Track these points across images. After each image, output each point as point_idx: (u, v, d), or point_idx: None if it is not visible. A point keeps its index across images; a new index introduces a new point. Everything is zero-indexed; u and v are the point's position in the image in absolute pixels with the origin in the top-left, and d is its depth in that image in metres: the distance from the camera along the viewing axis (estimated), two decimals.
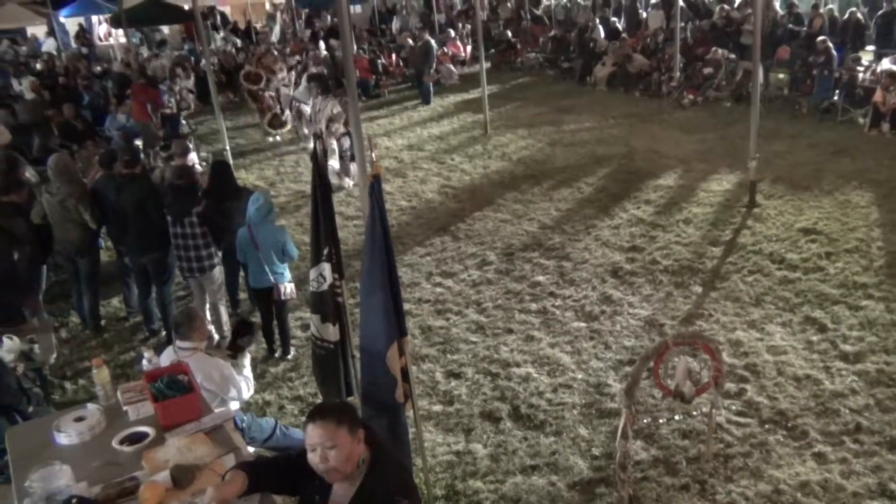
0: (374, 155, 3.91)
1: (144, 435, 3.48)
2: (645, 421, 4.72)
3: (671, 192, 9.93)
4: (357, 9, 28.45)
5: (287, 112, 14.25)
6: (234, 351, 5.10)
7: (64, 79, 17.71)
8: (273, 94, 14.67)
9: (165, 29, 29.33)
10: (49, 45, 26.12)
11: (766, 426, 5.18)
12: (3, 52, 25.14)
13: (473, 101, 16.34)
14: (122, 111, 13.39)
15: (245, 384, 4.90)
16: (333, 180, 10.73)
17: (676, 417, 4.57)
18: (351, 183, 11.06)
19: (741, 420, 5.26)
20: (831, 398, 5.42)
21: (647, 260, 7.94)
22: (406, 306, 7.29)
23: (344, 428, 2.76)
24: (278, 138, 14.56)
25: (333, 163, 11.11)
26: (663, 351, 3.75)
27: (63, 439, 3.50)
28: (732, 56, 15.22)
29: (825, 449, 4.91)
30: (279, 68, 15.17)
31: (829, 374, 5.73)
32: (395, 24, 27.09)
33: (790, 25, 15.74)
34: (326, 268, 4.41)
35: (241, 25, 28.53)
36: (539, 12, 25.21)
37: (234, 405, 4.87)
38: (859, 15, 15.64)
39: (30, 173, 9.44)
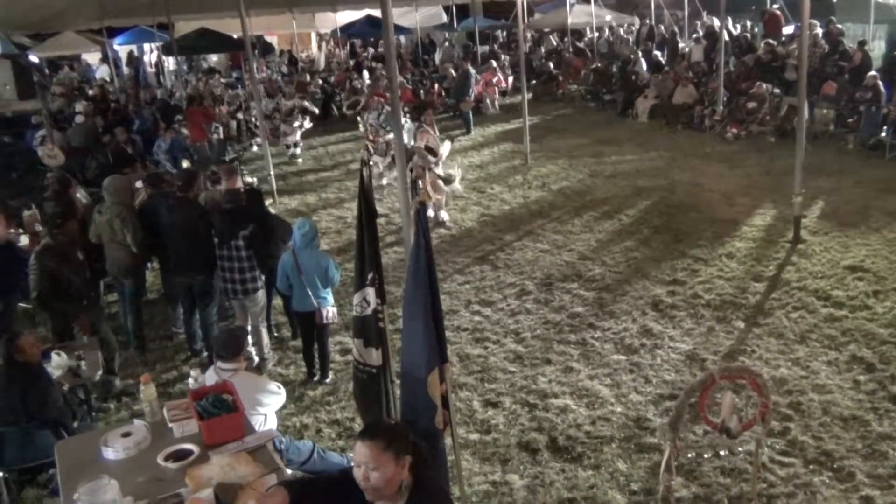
0: (420, 183, 3.96)
1: (189, 452, 3.53)
2: (689, 456, 4.64)
3: (714, 225, 9.84)
4: (401, 40, 28.93)
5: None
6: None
7: (115, 104, 18.28)
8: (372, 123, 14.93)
9: (213, 57, 30.12)
10: (102, 72, 26.98)
11: (811, 467, 5.05)
12: (64, 76, 26.12)
13: (514, 132, 16.44)
14: (168, 135, 13.76)
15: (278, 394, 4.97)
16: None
17: (722, 453, 4.49)
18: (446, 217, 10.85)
19: (785, 460, 5.14)
20: (879, 440, 5.28)
21: (689, 294, 7.86)
22: (445, 334, 7.32)
23: (390, 452, 2.78)
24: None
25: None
26: (709, 385, 3.70)
27: (110, 454, 3.57)
28: (777, 91, 15.10)
29: (873, 493, 4.77)
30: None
31: (877, 415, 5.58)
32: (438, 55, 27.49)
33: (838, 61, 15.57)
34: (370, 292, 4.45)
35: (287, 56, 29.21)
36: (581, 45, 25.38)
37: (273, 423, 4.93)
38: None
39: (81, 194, 9.72)
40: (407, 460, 2.84)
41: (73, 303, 6.57)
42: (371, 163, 11.96)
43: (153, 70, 28.62)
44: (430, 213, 10.63)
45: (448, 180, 10.58)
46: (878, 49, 17.39)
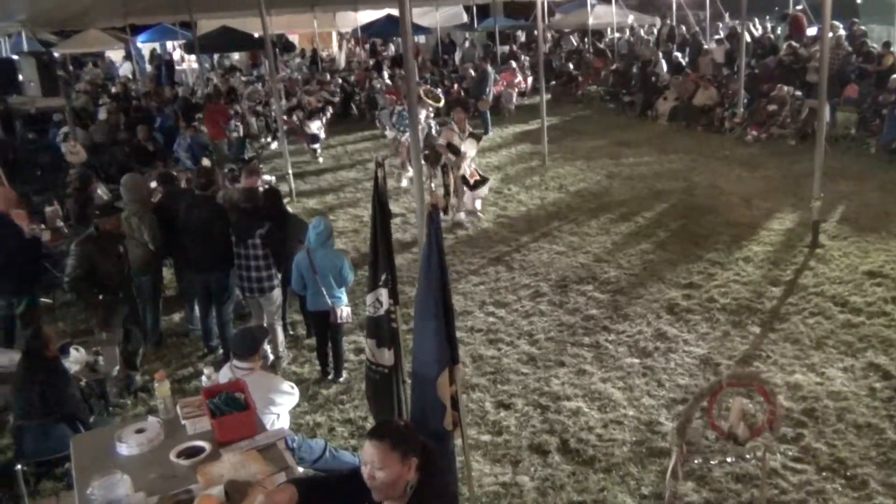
0: (433, 185, 3.98)
1: (201, 449, 3.58)
2: (696, 462, 4.63)
3: (731, 229, 9.78)
4: (421, 39, 28.96)
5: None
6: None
7: (137, 101, 18.48)
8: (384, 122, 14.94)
9: (235, 55, 30.33)
10: (125, 69, 27.25)
11: (824, 474, 5.02)
12: (90, 72, 26.43)
13: (532, 132, 16.42)
14: (188, 133, 13.88)
15: (292, 394, 5.06)
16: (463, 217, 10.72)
17: (729, 460, 4.49)
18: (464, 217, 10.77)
19: (798, 466, 5.11)
20: (894, 448, 5.23)
21: (704, 297, 7.82)
22: (458, 334, 7.26)
23: (396, 453, 2.82)
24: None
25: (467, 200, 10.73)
26: (717, 391, 3.69)
27: (124, 450, 3.62)
28: (798, 93, 14.96)
29: (886, 501, 4.74)
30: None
31: (892, 422, 5.53)
32: (458, 55, 27.49)
33: (861, 63, 15.39)
34: (383, 293, 4.49)
35: (308, 53, 29.33)
36: (602, 46, 25.27)
37: (286, 422, 4.98)
38: None
39: (102, 191, 9.86)
40: (413, 461, 2.87)
41: (108, 293, 6.61)
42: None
43: (177, 67, 28.83)
44: (450, 214, 10.70)
45: (475, 184, 10.53)
46: None
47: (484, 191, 10.86)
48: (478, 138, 10.36)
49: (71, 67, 27.11)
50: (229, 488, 3.15)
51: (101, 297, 6.55)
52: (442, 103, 14.60)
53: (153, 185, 8.94)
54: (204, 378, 4.25)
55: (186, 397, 4.55)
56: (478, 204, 10.79)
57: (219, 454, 3.52)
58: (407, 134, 12.24)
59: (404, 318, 6.38)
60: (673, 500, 3.84)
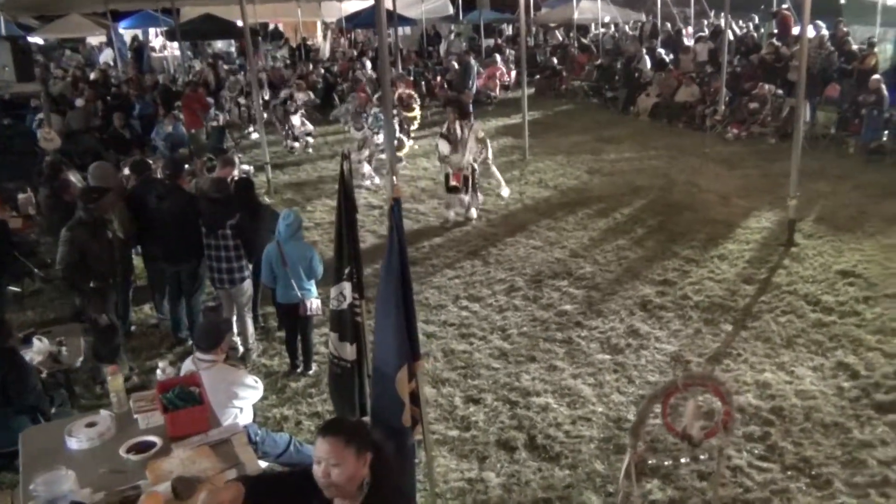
0: (395, 178, 3.92)
1: (151, 444, 3.51)
2: (651, 462, 4.61)
3: (708, 226, 9.78)
4: (406, 31, 28.81)
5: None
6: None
7: (116, 88, 18.24)
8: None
9: (218, 43, 30.05)
10: (106, 56, 26.93)
11: (789, 472, 5.02)
12: (68, 59, 26.09)
13: (514, 126, 16.36)
14: (168, 121, 13.72)
15: (255, 388, 5.00)
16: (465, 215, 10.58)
17: (683, 460, 4.48)
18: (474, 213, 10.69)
19: (763, 465, 5.10)
20: (859, 448, 5.24)
21: (678, 294, 7.82)
22: (430, 328, 7.32)
23: (352, 448, 2.76)
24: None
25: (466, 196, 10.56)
26: (672, 392, 3.66)
27: (74, 444, 3.55)
28: (780, 92, 14.99)
29: (849, 500, 4.74)
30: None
31: (858, 422, 5.54)
32: (443, 47, 27.39)
33: (842, 63, 15.42)
34: (347, 287, 4.44)
35: (293, 42, 29.07)
36: (586, 41, 25.25)
37: (249, 416, 4.92)
38: None
39: (76, 178, 9.71)
40: (368, 457, 2.82)
41: (99, 280, 6.46)
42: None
43: (158, 54, 28.50)
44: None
45: (451, 188, 10.42)
46: (883, 52, 17.21)
47: (454, 198, 10.62)
48: (450, 140, 10.17)
49: (56, 52, 26.81)
50: (177, 485, 3.08)
51: (91, 284, 6.41)
52: (416, 113, 14.52)
53: (126, 172, 8.83)
54: (159, 371, 4.17)
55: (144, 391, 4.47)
56: (472, 212, 10.65)
57: (170, 450, 3.45)
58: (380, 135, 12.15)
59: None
60: (626, 500, 3.81)
